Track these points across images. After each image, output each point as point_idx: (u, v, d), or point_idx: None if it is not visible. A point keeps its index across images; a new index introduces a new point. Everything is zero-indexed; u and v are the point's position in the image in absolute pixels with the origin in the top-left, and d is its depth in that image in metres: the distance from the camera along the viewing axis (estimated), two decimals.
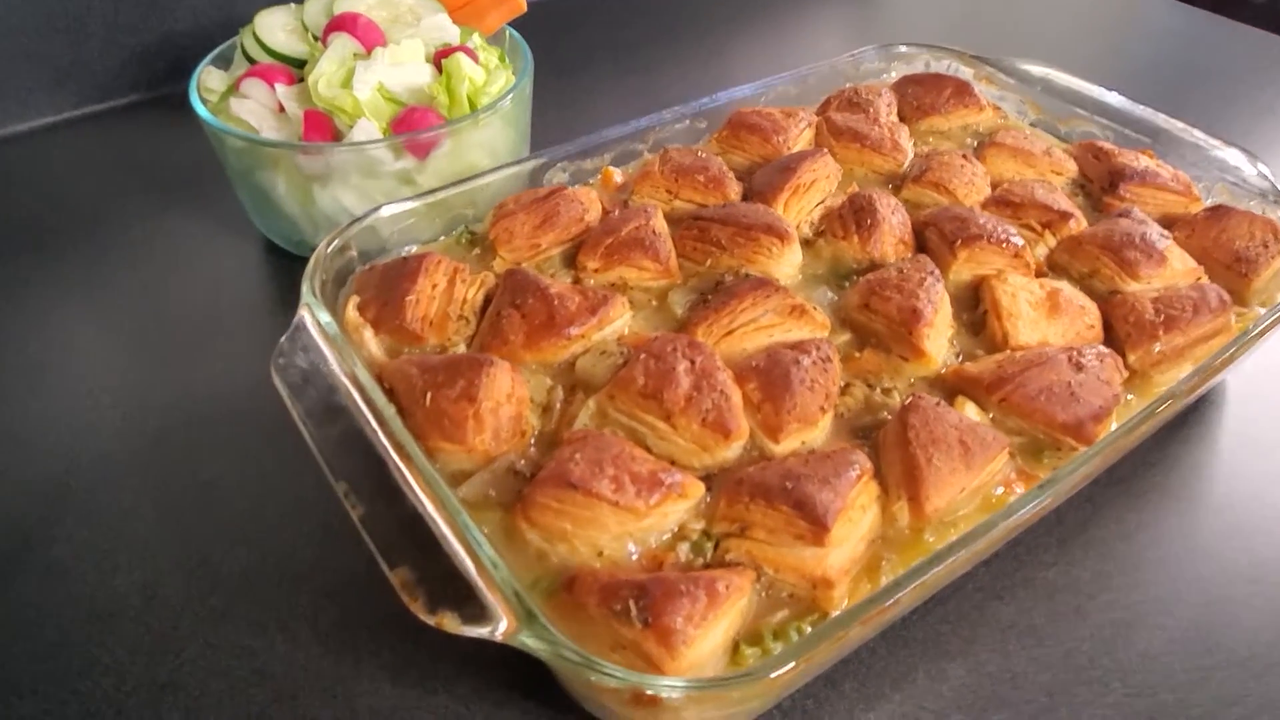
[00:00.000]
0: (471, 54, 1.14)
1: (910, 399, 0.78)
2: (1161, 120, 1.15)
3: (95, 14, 1.47)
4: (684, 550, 0.70)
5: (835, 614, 0.65)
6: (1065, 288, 0.92)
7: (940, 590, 0.81)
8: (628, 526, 0.70)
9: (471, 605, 0.62)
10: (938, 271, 0.92)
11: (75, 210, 1.31)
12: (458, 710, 0.74)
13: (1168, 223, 1.02)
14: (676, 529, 0.72)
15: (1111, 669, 0.77)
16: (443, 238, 1.02)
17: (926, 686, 0.75)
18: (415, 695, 0.75)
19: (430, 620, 0.61)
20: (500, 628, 0.60)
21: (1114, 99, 1.19)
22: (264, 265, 1.21)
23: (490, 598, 0.61)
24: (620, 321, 0.90)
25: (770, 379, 0.80)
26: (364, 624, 0.79)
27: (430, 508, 0.67)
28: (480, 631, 0.60)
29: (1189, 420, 0.99)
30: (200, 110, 1.07)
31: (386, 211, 0.97)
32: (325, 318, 0.84)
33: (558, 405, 0.83)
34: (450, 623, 0.61)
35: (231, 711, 0.73)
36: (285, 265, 1.19)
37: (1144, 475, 0.93)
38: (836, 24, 1.89)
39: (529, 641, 0.59)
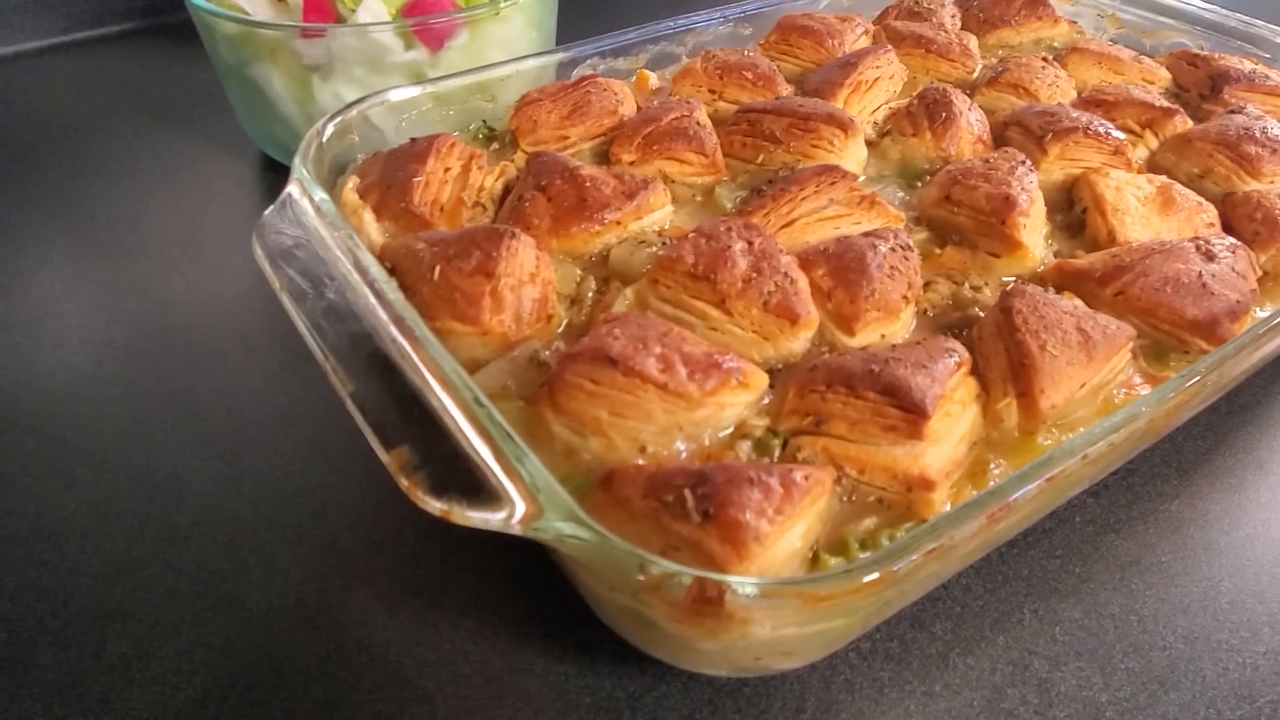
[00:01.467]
0: None
1: (1012, 286, 0.65)
2: (1261, 27, 1.03)
3: None
4: (745, 449, 0.57)
5: (945, 512, 0.51)
6: (1177, 184, 0.79)
7: (1043, 521, 0.68)
8: (677, 417, 0.56)
9: (482, 494, 0.49)
10: (1029, 162, 0.79)
11: (59, 130, 1.20)
12: (464, 647, 0.61)
13: None
14: (734, 426, 0.59)
15: (1260, 613, 0.63)
16: (458, 133, 0.90)
17: (1035, 629, 0.62)
18: (414, 629, 0.62)
19: (434, 507, 0.48)
20: (517, 513, 0.47)
21: (1205, 8, 1.07)
22: (258, 181, 1.09)
23: (504, 479, 0.48)
24: (661, 213, 0.77)
25: (843, 264, 0.67)
26: (356, 547, 0.66)
27: (433, 383, 0.54)
28: (493, 519, 0.47)
29: None
30: None
31: (395, 96, 0.85)
32: (320, 195, 0.72)
33: (589, 296, 0.70)
34: (456, 512, 0.48)
35: (190, 641, 0.60)
36: (279, 183, 1.07)
37: (1270, 403, 0.80)
38: None
39: (554, 526, 0.46)
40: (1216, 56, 0.98)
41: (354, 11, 0.92)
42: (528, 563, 0.64)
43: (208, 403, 0.78)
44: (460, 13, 0.94)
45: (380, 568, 0.65)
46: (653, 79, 1.00)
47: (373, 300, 0.61)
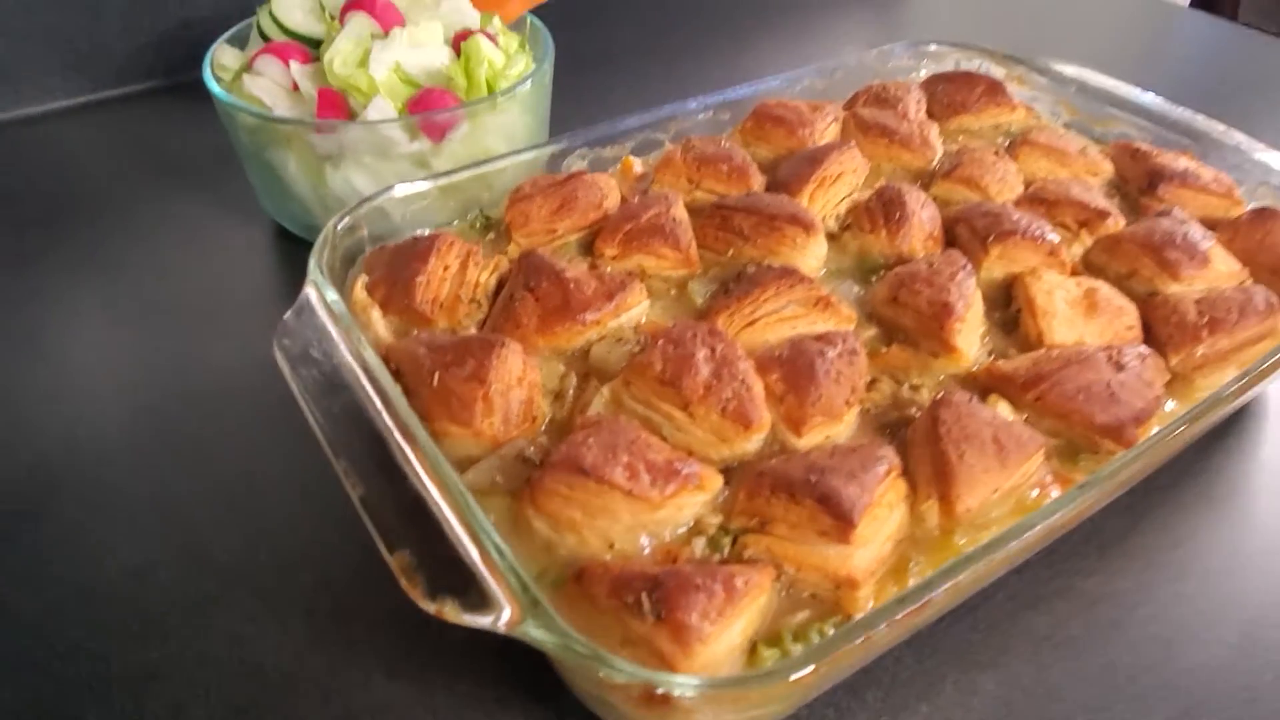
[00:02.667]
0: (491, 38, 1.11)
1: (941, 394, 0.74)
2: (1201, 122, 1.11)
3: None
4: (700, 545, 0.66)
5: (860, 616, 0.60)
6: (1103, 287, 0.88)
7: (970, 597, 0.77)
8: (641, 518, 0.66)
9: (473, 594, 0.58)
10: (970, 266, 0.88)
11: (86, 191, 1.29)
12: (456, 709, 0.70)
13: (1209, 226, 0.97)
14: (692, 523, 0.68)
15: (1154, 685, 0.72)
16: (456, 222, 0.99)
17: (955, 698, 0.71)
18: (412, 691, 0.71)
19: (430, 608, 0.57)
20: (504, 618, 0.56)
21: (1152, 100, 1.15)
22: (273, 250, 1.18)
23: (494, 586, 0.57)
24: (638, 309, 0.86)
25: (794, 370, 0.76)
26: (361, 616, 0.75)
27: (434, 490, 0.63)
28: (483, 621, 0.56)
29: (1231, 430, 0.94)
30: (213, 87, 1.04)
31: (399, 192, 0.94)
32: (332, 295, 0.81)
33: (570, 393, 0.79)
34: (451, 611, 0.57)
35: (218, 702, 0.69)
36: (294, 250, 1.16)
37: (1187, 484, 0.89)
38: (865, 21, 1.86)
39: (534, 633, 0.55)
40: (1155, 152, 1.06)
41: (365, 108, 1.01)
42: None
43: (230, 473, 0.87)
44: (461, 107, 1.03)
45: (383, 633, 0.74)
46: (637, 165, 1.08)
47: (380, 405, 0.70)
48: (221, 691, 0.70)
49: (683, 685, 0.52)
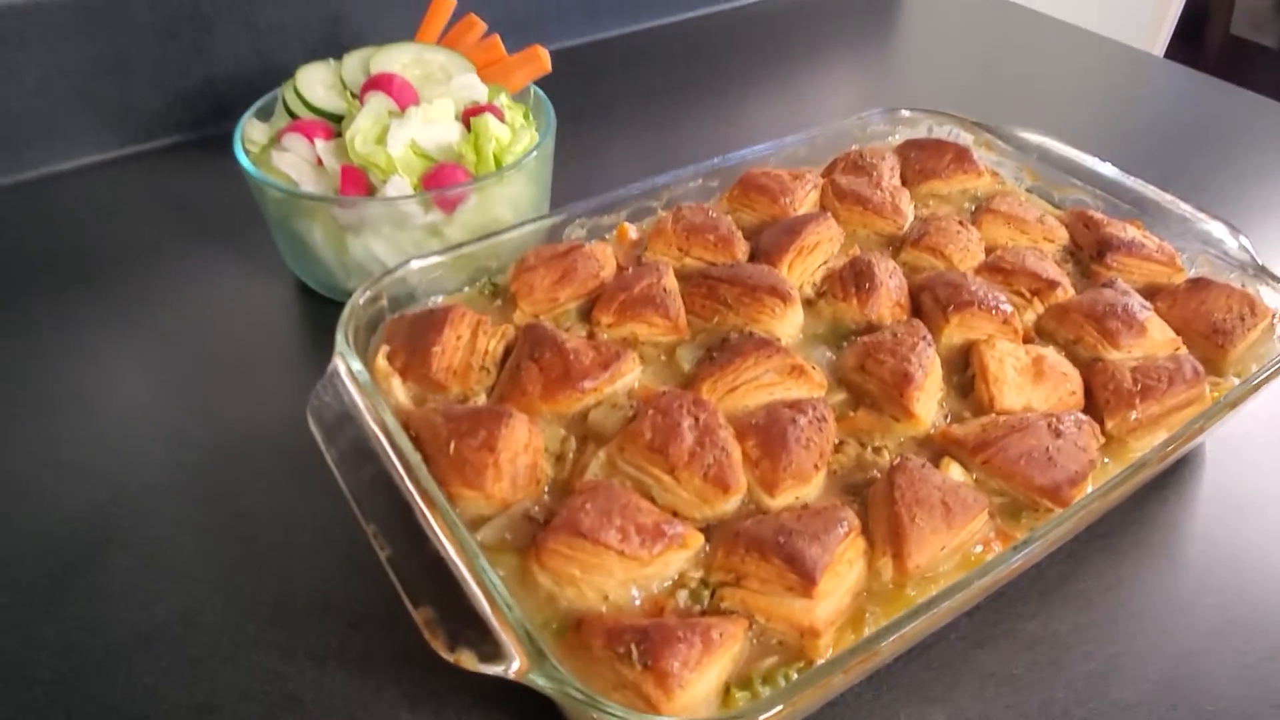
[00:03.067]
0: (498, 112, 1.21)
1: (898, 460, 0.84)
2: (1151, 192, 1.21)
3: (142, 58, 1.55)
4: (683, 597, 0.76)
5: (820, 662, 0.70)
6: (1050, 355, 0.98)
7: (924, 639, 0.87)
8: (632, 573, 0.75)
9: (488, 645, 0.68)
10: (930, 336, 0.98)
11: (120, 246, 1.38)
12: None
13: (1152, 292, 1.08)
14: (676, 577, 0.78)
15: (1085, 718, 0.82)
16: (467, 288, 1.09)
17: None
18: None
19: (449, 657, 0.67)
20: (513, 667, 0.65)
21: (1106, 169, 1.25)
22: (297, 307, 1.28)
23: (504, 638, 0.67)
24: (631, 376, 0.96)
25: (769, 436, 0.85)
26: (386, 655, 0.85)
27: (451, 551, 0.73)
28: (495, 669, 0.66)
29: (1168, 481, 1.04)
30: (243, 161, 1.14)
31: (416, 264, 1.04)
32: (357, 365, 0.90)
33: (570, 455, 0.89)
34: (468, 660, 0.67)
35: None
36: (317, 308, 1.26)
37: (1124, 533, 0.98)
38: (847, 85, 1.96)
39: (539, 680, 0.64)
40: (1106, 222, 1.16)
41: (384, 184, 1.11)
42: None
43: (265, 524, 0.97)
44: (472, 182, 1.13)
45: (406, 671, 0.84)
46: (632, 231, 1.18)
47: (402, 471, 0.80)
48: None
49: None
